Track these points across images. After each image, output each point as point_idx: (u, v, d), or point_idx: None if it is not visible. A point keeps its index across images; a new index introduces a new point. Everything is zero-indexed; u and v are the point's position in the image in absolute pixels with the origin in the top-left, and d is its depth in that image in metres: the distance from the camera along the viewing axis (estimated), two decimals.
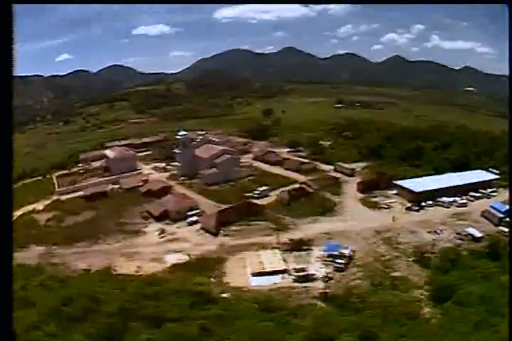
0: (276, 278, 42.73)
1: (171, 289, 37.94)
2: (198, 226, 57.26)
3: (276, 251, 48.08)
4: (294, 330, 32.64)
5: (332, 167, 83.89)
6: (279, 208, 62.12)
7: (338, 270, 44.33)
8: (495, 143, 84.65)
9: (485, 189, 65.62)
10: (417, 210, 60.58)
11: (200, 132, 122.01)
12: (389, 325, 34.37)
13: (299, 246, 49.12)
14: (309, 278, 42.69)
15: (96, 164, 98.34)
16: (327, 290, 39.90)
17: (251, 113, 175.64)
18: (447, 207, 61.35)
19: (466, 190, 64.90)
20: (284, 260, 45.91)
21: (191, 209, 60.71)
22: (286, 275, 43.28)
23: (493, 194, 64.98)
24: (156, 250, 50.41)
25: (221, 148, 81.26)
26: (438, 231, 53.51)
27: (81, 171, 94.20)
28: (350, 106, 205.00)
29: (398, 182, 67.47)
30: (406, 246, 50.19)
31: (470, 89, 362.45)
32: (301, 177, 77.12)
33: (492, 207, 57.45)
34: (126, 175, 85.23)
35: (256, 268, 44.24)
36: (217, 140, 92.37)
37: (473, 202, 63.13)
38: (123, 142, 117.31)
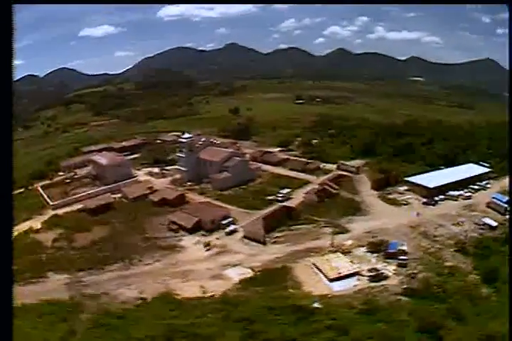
0: (354, 281, 43.47)
1: (264, 307, 36.39)
2: (238, 235, 55.14)
3: (339, 254, 48.60)
4: (405, 325, 33.86)
5: (332, 165, 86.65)
6: (310, 210, 62.44)
7: (401, 266, 46.42)
8: (471, 136, 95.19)
9: (480, 181, 73.51)
10: (433, 204, 65.61)
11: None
12: (470, 307, 37.70)
13: (354, 247, 50.32)
14: (381, 276, 44.14)
15: (82, 172, 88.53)
16: (409, 286, 41.76)
17: (216, 112, 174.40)
18: (455, 200, 67.05)
19: (466, 183, 72.10)
20: (351, 262, 46.71)
21: (224, 218, 58.05)
22: (359, 276, 44.09)
23: (488, 186, 72.91)
24: (209, 266, 47.38)
25: (230, 150, 78.68)
26: (460, 222, 59.01)
27: (67, 180, 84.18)
28: (310, 101, 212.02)
29: (409, 179, 72.32)
30: (442, 238, 53.96)
31: (418, 79, 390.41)
32: (311, 178, 78.41)
33: (494, 198, 64.75)
34: (122, 184, 78.22)
35: (331, 273, 44.30)
36: (218, 142, 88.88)
37: (474, 194, 70.47)
38: (99, 146, 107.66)
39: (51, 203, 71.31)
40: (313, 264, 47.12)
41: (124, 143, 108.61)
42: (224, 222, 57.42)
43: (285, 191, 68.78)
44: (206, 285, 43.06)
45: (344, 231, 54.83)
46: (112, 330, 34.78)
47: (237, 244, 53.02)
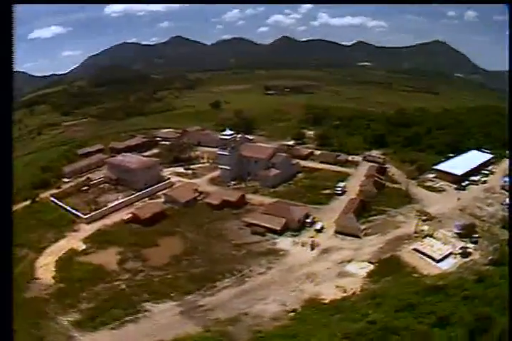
0: (452, 259, 49.17)
1: (407, 293, 39.86)
2: (328, 231, 56.73)
3: (429, 238, 53.58)
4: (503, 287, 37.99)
5: (355, 157, 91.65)
6: (373, 201, 66.29)
7: (473, 243, 53.23)
8: (461, 123, 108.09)
9: (486, 166, 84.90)
10: (464, 189, 74.25)
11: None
12: None
13: (432, 231, 55.82)
14: (467, 253, 50.36)
15: (94, 176, 79.72)
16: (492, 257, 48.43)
17: (196, 106, 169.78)
18: (476, 185, 76.37)
19: (478, 169, 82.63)
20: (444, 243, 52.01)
21: (307, 216, 59.00)
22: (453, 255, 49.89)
23: (494, 170, 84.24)
24: (326, 265, 48.64)
25: (273, 146, 78.32)
26: (491, 204, 68.08)
27: (84, 188, 75.12)
28: (280, 91, 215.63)
29: (437, 167, 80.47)
30: (486, 218, 62.05)
31: (365, 63, 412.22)
32: (350, 170, 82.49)
33: (505, 181, 75.02)
34: (156, 187, 73.40)
35: (435, 255, 49.33)
36: (252, 138, 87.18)
37: (487, 178, 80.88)
38: (95, 147, 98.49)
39: (84, 216, 64.52)
40: (415, 250, 51.62)
41: (127, 143, 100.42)
42: (307, 220, 58.36)
43: (342, 184, 71.74)
44: (340, 284, 44.51)
45: (428, 218, 59.74)
46: None
47: (333, 240, 54.92)
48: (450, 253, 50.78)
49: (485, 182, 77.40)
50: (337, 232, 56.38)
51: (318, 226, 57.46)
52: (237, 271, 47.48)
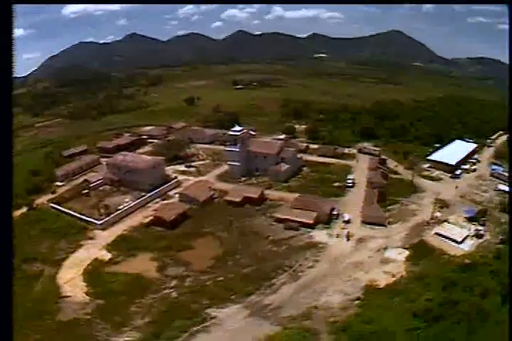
0: (470, 241, 54.76)
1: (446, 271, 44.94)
2: (355, 222, 59.44)
3: (446, 223, 58.66)
4: None
5: (351, 149, 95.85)
6: (385, 192, 70.43)
7: (482, 225, 59.38)
8: (437, 114, 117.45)
9: (472, 155, 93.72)
10: (458, 177, 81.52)
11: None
12: None
13: (445, 216, 61.26)
14: (481, 235, 56.24)
15: (92, 179, 74.57)
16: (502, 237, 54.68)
17: (167, 102, 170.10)
18: (468, 173, 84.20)
19: (466, 158, 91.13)
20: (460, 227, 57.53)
21: (333, 209, 61.12)
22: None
23: (479, 159, 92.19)
24: (367, 254, 51.25)
25: (280, 141, 79.09)
26: (486, 190, 76.04)
27: (84, 191, 70.10)
28: (247, 86, 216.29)
29: (431, 158, 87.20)
30: (487, 202, 69.67)
31: (322, 55, 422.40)
32: (352, 163, 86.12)
33: (494, 169, 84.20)
34: (165, 187, 71.25)
35: (456, 238, 54.35)
36: (254, 134, 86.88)
37: (475, 166, 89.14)
38: (80, 148, 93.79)
39: (97, 222, 60.87)
40: (437, 234, 56.38)
41: (116, 142, 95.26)
42: (334, 212, 60.53)
43: (351, 177, 74.95)
44: (386, 270, 47.62)
45: (443, 205, 64.84)
46: None
47: (363, 229, 57.82)
48: (467, 236, 56.49)
49: (474, 170, 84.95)
50: (364, 222, 59.43)
51: (346, 217, 60.03)
52: (288, 267, 48.08)
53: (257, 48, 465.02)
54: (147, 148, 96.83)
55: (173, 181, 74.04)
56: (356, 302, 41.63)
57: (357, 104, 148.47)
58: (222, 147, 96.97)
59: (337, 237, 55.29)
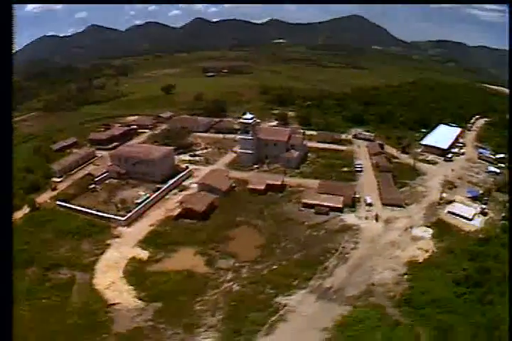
0: (479, 218, 61.68)
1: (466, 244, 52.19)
2: (376, 204, 63.73)
3: (456, 203, 65.04)
4: None
5: (345, 135, 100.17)
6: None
7: (485, 204, 66.71)
8: (415, 99, 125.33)
9: (458, 139, 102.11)
10: (451, 160, 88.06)
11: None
12: None
13: (451, 197, 67.76)
14: (485, 212, 63.42)
15: (96, 172, 71.07)
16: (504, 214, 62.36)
17: (143, 92, 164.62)
18: (458, 156, 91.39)
19: (454, 142, 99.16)
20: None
21: (355, 193, 64.64)
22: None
23: (464, 142, 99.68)
24: (398, 233, 56.04)
25: (288, 128, 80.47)
26: (478, 172, 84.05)
27: (91, 186, 67.18)
28: (218, 73, 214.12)
29: (424, 142, 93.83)
30: (482, 183, 76.84)
31: (281, 41, 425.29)
32: (353, 148, 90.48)
33: (480, 152, 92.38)
34: (179, 178, 70.35)
35: (467, 215, 61.05)
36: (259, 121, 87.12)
37: (463, 149, 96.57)
38: (69, 141, 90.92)
39: (121, 218, 58.87)
40: (449, 212, 62.62)
41: (108, 133, 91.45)
42: (356, 196, 64.17)
43: (359, 162, 79.02)
44: (419, 246, 52.78)
45: (452, 187, 71.03)
46: None
47: (386, 211, 62.40)
48: (475, 214, 63.15)
49: (463, 153, 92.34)
50: (384, 204, 63.98)
51: (368, 200, 64.17)
52: (334, 250, 51.29)
53: (215, 35, 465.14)
54: (141, 138, 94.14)
55: (186, 171, 72.95)
56: (405, 277, 45.99)
57: (331, 89, 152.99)
58: (218, 135, 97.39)
59: (366, 219, 59.30)
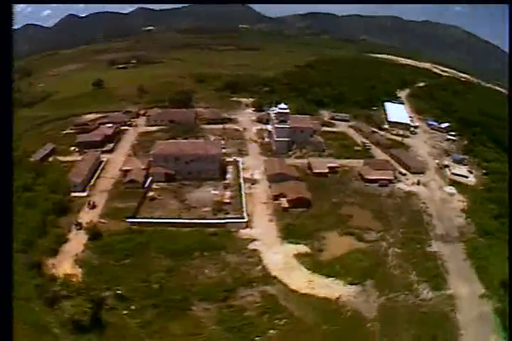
0: (471, 175, 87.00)
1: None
2: (408, 174, 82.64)
3: (454, 165, 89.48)
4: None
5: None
6: None
7: (465, 165, 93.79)
8: (352, 79, 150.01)
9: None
10: (416, 133, 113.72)
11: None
12: None
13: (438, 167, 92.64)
14: (471, 171, 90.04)
15: (137, 178, 68.87)
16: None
17: (69, 89, 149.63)
18: (416, 129, 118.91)
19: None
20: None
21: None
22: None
23: (410, 117, 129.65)
24: (438, 193, 76.48)
25: (307, 116, 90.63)
26: (442, 140, 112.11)
27: (148, 194, 66.92)
28: (128, 65, 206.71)
29: (390, 119, 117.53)
30: (450, 149, 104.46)
31: (150, 28, 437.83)
32: (342, 130, 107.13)
33: (430, 124, 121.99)
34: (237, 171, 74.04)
35: (465, 174, 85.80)
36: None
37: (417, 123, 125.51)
38: (48, 148, 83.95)
39: (242, 220, 59.53)
40: (453, 173, 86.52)
41: (97, 133, 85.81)
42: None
43: (367, 141, 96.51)
44: (458, 199, 74.47)
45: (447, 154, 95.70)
46: None
47: (417, 177, 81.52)
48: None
49: (417, 127, 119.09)
50: (413, 173, 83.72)
51: (403, 171, 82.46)
52: (423, 212, 68.69)
53: (88, 29, 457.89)
54: (133, 136, 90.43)
55: (240, 163, 76.92)
56: (469, 219, 67.66)
57: (256, 73, 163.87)
58: (217, 126, 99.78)
59: (413, 185, 77.36)
